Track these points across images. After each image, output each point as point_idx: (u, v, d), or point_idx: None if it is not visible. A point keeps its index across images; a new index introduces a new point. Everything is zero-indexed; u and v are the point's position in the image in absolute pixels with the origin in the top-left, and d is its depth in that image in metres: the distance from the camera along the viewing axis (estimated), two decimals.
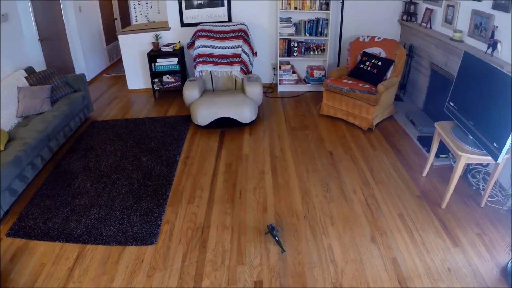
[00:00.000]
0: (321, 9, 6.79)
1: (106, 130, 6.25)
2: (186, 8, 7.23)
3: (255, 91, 5.95)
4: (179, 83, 7.32)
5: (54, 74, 6.38)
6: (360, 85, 5.69)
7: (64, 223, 4.15)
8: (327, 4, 6.73)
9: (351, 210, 4.05)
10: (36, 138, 5.04)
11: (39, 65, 7.08)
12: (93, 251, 3.71)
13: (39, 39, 7.44)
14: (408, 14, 6.54)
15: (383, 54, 6.00)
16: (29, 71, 6.36)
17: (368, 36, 6.28)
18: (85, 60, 8.92)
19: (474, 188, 4.33)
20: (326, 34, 6.93)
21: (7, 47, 6.09)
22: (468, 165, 4.53)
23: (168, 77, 7.33)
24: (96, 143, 5.85)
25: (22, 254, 3.76)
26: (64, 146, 5.82)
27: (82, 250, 3.74)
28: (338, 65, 7.18)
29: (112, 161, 5.31)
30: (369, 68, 5.95)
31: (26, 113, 5.71)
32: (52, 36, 8.00)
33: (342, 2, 6.75)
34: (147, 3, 8.22)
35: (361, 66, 6.07)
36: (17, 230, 4.09)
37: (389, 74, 5.86)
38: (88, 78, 8.69)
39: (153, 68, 7.25)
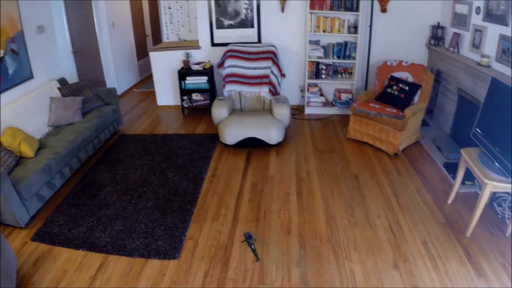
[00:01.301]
0: (349, 32, 6.84)
1: (135, 144, 6.38)
2: (216, 28, 7.39)
3: (283, 113, 5.99)
4: (208, 101, 7.44)
5: (86, 86, 6.57)
6: (387, 109, 5.68)
7: (88, 232, 4.26)
8: (355, 28, 6.78)
9: (375, 235, 4.03)
10: (66, 148, 5.24)
11: (72, 77, 7.31)
12: (116, 262, 3.80)
13: (72, 52, 7.68)
14: (436, 38, 6.54)
15: (410, 79, 6.00)
16: (62, 82, 6.60)
17: (395, 60, 6.29)
18: (117, 75, 9.15)
19: (499, 216, 4.27)
20: (354, 57, 6.96)
21: (41, 58, 6.34)
22: (494, 193, 4.47)
23: (197, 95, 7.45)
24: (124, 156, 5.99)
25: (46, 259, 3.88)
26: (93, 157, 6.00)
27: (105, 260, 3.84)
28: (366, 89, 7.20)
29: (139, 175, 5.42)
30: (396, 93, 5.95)
31: (57, 122, 5.90)
32: (85, 49, 8.24)
33: (370, 26, 6.81)
34: (178, 22, 8.40)
35: (388, 91, 6.07)
36: (42, 236, 4.23)
37: (416, 99, 5.84)
38: (119, 92, 8.90)
39: (183, 85, 7.41)
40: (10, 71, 5.66)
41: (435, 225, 4.17)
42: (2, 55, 5.47)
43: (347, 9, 6.72)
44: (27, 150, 4.91)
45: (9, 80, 5.65)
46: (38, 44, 6.25)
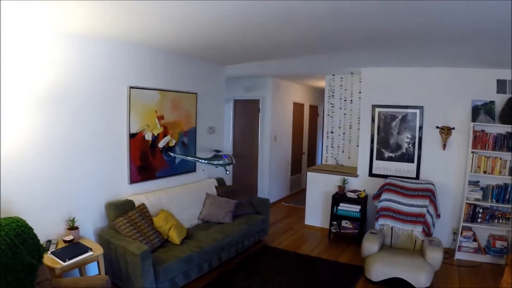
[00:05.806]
0: (510, 174, 6.55)
1: (276, 258, 6.54)
2: (376, 159, 7.64)
3: (435, 257, 5.73)
4: (357, 231, 7.45)
5: (241, 192, 7.18)
6: None
7: None
8: None
9: None
10: (211, 245, 5.59)
11: (227, 178, 7.92)
12: None
13: (232, 155, 8.40)
14: None
15: None
16: (220, 182, 7.29)
17: None
18: (269, 185, 9.75)
19: None
20: None
21: (206, 155, 7.07)
22: None
23: (347, 223, 7.56)
24: (264, 267, 6.13)
25: None
26: (232, 260, 6.26)
27: None
28: None
29: None
30: None
31: (207, 218, 6.45)
32: (244, 155, 9.09)
33: None
34: (339, 147, 8.80)
35: None
36: None
37: None
38: None
39: (334, 210, 7.58)
40: (177, 160, 6.47)
41: None
42: (173, 144, 6.33)
43: (510, 149, 6.53)
44: (175, 237, 5.42)
45: (174, 168, 6.47)
46: (206, 142, 7.11)
